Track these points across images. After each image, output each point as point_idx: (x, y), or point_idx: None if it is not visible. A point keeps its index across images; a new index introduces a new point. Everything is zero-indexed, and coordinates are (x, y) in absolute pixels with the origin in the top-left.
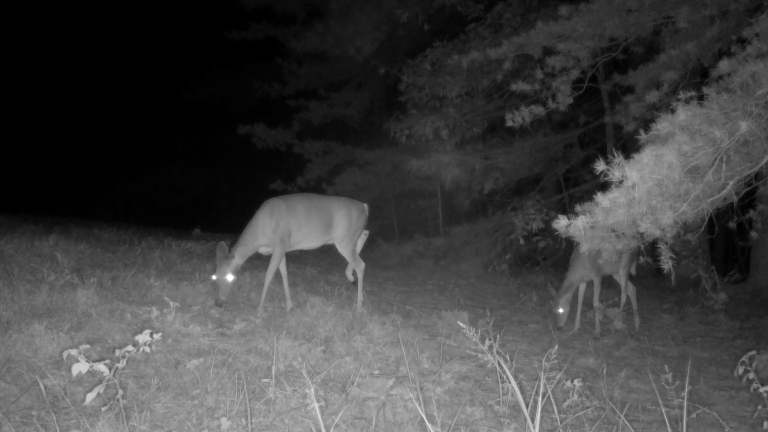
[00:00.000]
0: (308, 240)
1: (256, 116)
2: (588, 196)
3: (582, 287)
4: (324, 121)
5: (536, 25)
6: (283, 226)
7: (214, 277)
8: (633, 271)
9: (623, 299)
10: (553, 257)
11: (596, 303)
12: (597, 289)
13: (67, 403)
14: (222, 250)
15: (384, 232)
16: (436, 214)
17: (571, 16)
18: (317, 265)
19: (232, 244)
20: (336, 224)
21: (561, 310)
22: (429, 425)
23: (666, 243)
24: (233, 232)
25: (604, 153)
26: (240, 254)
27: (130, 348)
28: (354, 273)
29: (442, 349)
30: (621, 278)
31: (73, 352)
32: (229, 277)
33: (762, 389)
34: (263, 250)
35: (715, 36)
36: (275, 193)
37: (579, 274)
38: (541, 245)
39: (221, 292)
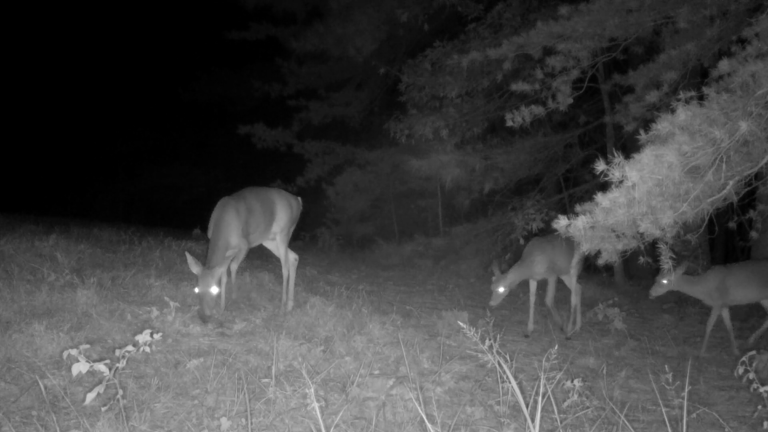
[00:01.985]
0: (256, 236)
1: (256, 116)
2: (588, 196)
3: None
4: (324, 121)
5: (536, 25)
6: (251, 224)
7: (197, 290)
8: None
9: (574, 301)
10: None
11: (549, 302)
12: (551, 290)
13: (67, 403)
14: (192, 262)
15: (384, 232)
16: (436, 214)
17: (571, 16)
18: (317, 265)
19: (206, 252)
20: (278, 217)
21: (501, 290)
22: (429, 425)
23: (666, 243)
24: None
25: (604, 153)
26: (222, 263)
27: (130, 348)
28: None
29: (442, 349)
30: (572, 278)
31: (73, 352)
32: (214, 290)
33: (762, 389)
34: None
35: (715, 36)
36: None
37: (530, 271)
38: None
39: (207, 305)
